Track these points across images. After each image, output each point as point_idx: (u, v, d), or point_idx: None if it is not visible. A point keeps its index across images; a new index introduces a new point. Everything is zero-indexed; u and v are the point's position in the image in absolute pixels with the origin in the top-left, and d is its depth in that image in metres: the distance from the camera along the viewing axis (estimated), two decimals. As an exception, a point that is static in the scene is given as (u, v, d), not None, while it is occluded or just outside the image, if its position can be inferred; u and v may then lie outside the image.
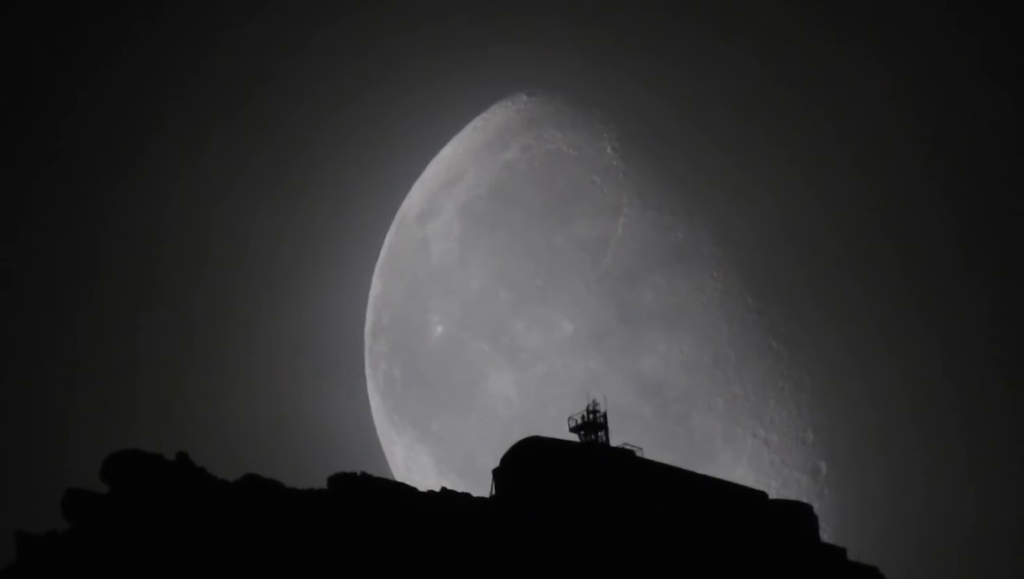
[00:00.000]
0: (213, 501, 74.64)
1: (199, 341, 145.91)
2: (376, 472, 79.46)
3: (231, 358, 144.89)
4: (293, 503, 75.90)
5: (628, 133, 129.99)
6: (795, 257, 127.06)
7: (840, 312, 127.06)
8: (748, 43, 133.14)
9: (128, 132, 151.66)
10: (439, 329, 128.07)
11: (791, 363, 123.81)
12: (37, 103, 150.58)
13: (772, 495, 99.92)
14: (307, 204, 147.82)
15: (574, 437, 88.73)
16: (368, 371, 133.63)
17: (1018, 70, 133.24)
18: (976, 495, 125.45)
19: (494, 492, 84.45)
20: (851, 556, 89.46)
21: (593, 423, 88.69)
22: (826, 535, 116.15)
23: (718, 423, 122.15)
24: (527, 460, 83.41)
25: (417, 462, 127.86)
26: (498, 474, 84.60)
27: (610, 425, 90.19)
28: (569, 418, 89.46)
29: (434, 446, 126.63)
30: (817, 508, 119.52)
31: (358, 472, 78.26)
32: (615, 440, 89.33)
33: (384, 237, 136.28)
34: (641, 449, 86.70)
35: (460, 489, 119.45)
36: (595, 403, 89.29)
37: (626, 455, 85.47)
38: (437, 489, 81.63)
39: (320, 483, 78.71)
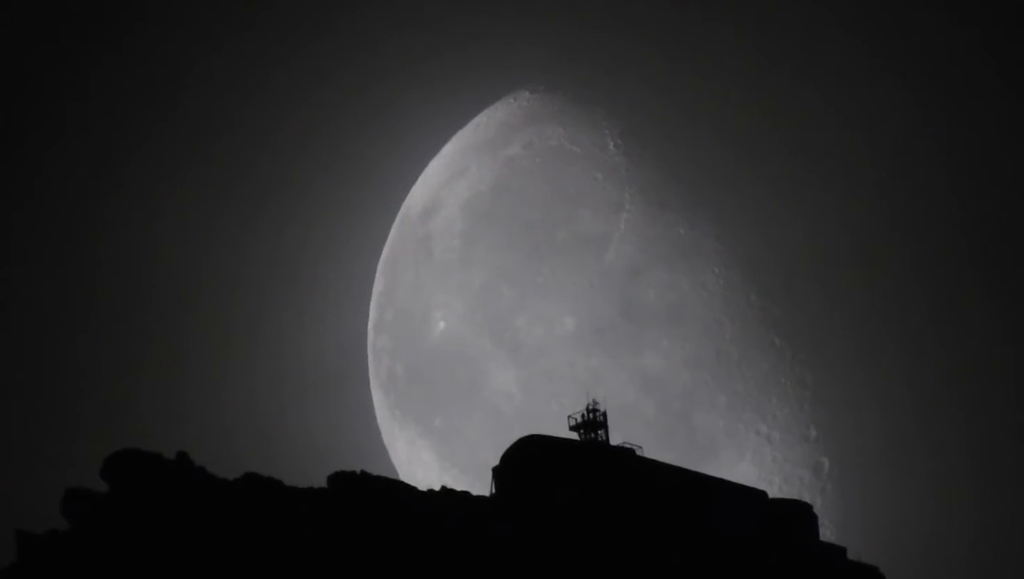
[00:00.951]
0: (213, 500, 74.71)
1: (200, 339, 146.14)
2: (379, 468, 79.65)
3: (233, 355, 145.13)
4: (293, 502, 76.00)
5: (631, 129, 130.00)
6: (798, 254, 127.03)
7: (843, 309, 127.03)
8: (753, 39, 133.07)
9: (136, 122, 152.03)
10: (441, 325, 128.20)
11: (793, 360, 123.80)
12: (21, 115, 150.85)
13: (774, 492, 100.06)
14: (311, 202, 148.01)
15: (574, 436, 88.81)
16: (371, 367, 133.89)
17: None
18: (979, 491, 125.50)
19: (494, 490, 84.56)
20: (851, 555, 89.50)
21: (593, 422, 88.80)
22: (828, 532, 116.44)
23: (720, 420, 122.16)
24: (527, 458, 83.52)
25: (419, 458, 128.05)
26: (498, 473, 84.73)
27: (612, 422, 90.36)
28: (569, 417, 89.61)
29: (436, 442, 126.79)
30: (819, 505, 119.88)
31: (357, 471, 78.33)
32: (617, 437, 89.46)
33: (387, 234, 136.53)
34: (641, 447, 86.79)
35: (462, 485, 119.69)
36: (595, 402, 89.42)
37: (626, 454, 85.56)
38: (439, 485, 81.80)
39: (321, 480, 78.85)
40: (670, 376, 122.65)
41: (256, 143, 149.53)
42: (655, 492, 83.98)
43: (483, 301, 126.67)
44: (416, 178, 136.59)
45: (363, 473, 78.29)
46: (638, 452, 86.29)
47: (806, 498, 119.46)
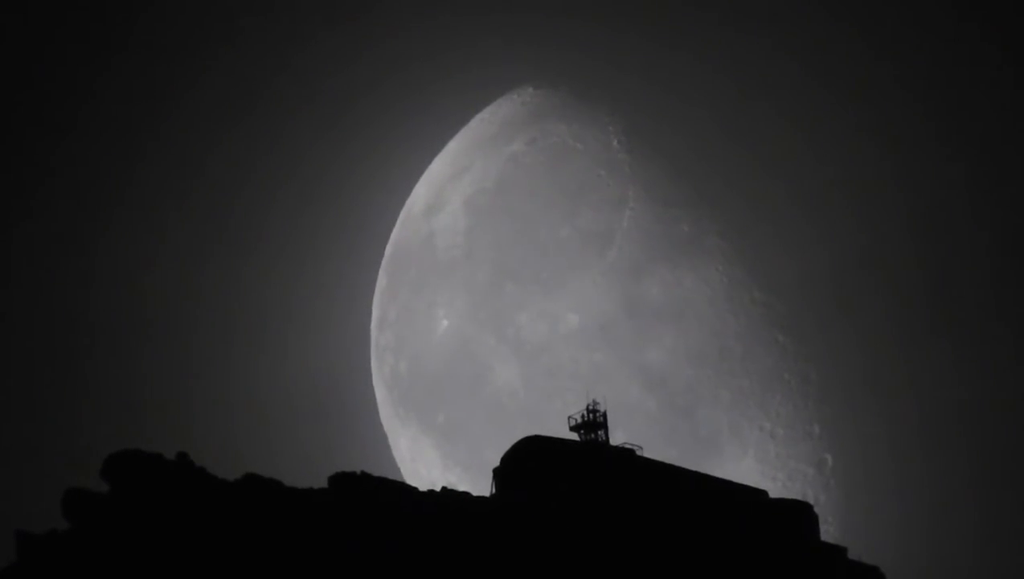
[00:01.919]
0: (213, 501, 74.78)
1: (202, 339, 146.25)
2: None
3: (235, 353, 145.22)
4: (293, 503, 76.05)
5: (634, 126, 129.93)
6: (801, 251, 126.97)
7: (847, 306, 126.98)
8: (756, 33, 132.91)
9: (146, 114, 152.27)
10: (445, 322, 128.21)
11: (797, 356, 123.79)
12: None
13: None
14: (315, 199, 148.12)
15: (574, 436, 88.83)
16: (374, 364, 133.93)
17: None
18: (981, 488, 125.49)
19: (494, 491, 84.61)
20: (851, 555, 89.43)
21: (593, 422, 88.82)
22: (831, 529, 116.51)
23: (724, 416, 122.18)
24: (527, 459, 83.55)
25: (423, 455, 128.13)
26: (498, 473, 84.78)
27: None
28: (569, 417, 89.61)
29: (440, 439, 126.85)
30: (822, 501, 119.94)
31: (358, 471, 78.38)
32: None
33: (390, 231, 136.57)
34: (641, 448, 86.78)
35: (466, 481, 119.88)
36: (595, 402, 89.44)
37: (626, 454, 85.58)
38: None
39: (323, 479, 78.94)
40: (673, 373, 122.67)
41: (262, 141, 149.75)
42: (655, 492, 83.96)
43: (486, 298, 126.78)
44: (420, 175, 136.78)
45: (363, 474, 78.34)
46: (638, 452, 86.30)
47: (809, 494, 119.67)
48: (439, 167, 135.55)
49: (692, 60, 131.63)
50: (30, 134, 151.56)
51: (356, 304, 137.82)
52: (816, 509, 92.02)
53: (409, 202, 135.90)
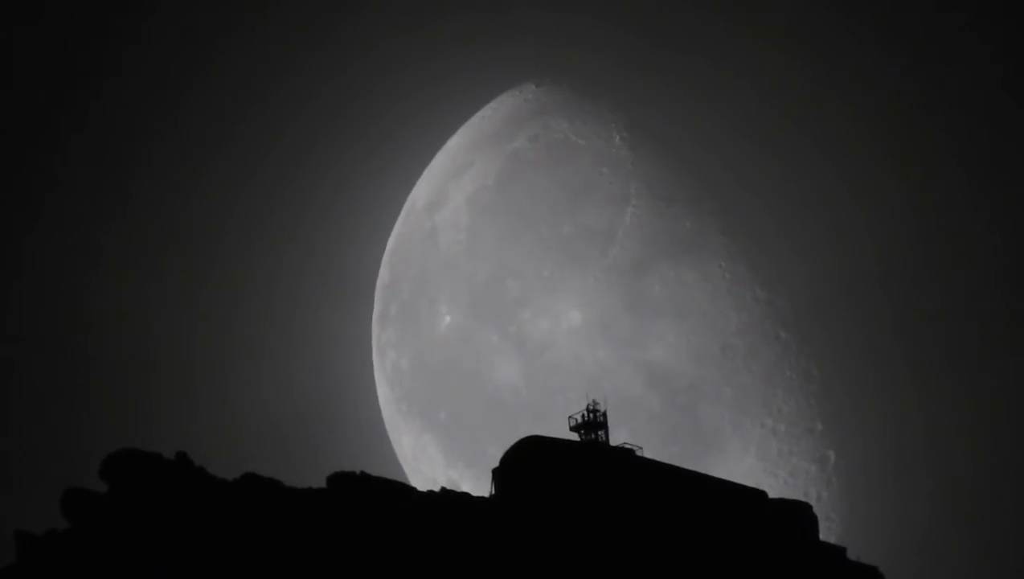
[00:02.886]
0: (213, 501, 74.87)
1: (204, 337, 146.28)
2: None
3: (237, 352, 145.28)
4: (292, 502, 76.11)
5: (636, 122, 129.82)
6: (804, 247, 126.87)
7: (849, 302, 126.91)
8: (759, 30, 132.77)
9: (148, 122, 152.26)
10: (447, 319, 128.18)
11: (799, 353, 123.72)
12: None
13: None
14: (318, 196, 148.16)
15: (574, 436, 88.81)
16: (376, 361, 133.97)
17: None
18: (983, 484, 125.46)
19: (494, 491, 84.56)
20: (851, 555, 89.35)
21: (593, 422, 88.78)
22: (833, 525, 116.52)
23: (726, 413, 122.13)
24: (526, 459, 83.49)
25: (425, 452, 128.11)
26: (498, 473, 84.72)
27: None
28: (569, 417, 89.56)
29: (442, 436, 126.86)
30: (824, 498, 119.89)
31: (357, 471, 78.42)
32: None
33: (392, 227, 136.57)
34: (641, 448, 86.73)
35: (468, 478, 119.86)
36: (595, 402, 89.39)
37: (625, 454, 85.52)
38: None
39: (322, 478, 78.98)
40: (676, 369, 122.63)
41: (264, 139, 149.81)
42: (655, 493, 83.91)
43: (489, 295, 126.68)
44: (422, 171, 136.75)
45: (363, 473, 78.39)
46: (638, 452, 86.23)
47: (811, 491, 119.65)
48: (441, 163, 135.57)
49: (695, 57, 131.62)
50: (29, 140, 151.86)
51: (358, 300, 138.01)
52: (818, 506, 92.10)
53: (411, 198, 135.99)
